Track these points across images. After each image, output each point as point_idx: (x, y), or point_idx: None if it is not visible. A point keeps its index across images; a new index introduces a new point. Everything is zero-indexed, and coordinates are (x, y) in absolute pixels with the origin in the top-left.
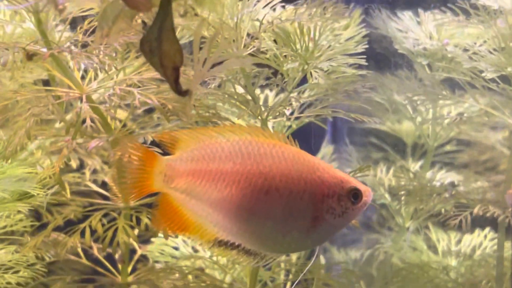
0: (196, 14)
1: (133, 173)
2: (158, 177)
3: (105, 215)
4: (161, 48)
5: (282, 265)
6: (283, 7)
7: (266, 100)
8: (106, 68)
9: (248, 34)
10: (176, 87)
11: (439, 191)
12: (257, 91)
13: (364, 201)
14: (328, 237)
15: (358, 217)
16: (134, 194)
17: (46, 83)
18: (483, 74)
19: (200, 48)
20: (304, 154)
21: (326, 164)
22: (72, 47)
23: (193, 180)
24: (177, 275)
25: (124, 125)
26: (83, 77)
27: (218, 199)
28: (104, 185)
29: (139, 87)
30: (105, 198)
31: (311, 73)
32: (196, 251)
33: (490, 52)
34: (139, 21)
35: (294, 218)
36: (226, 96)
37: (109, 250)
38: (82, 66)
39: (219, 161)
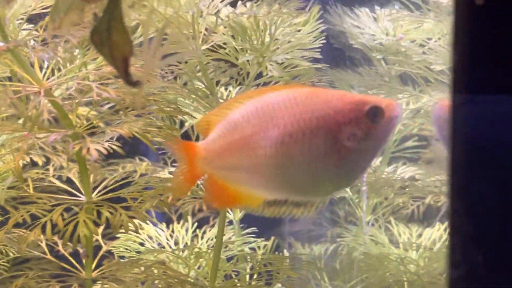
0: (144, 5)
1: (183, 164)
2: (200, 162)
3: (68, 210)
4: (110, 39)
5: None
6: (244, 3)
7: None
8: (68, 63)
9: (206, 29)
10: (126, 78)
11: (393, 184)
12: (222, 89)
13: (388, 117)
14: (364, 164)
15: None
16: (188, 184)
17: (11, 80)
18: (432, 67)
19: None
20: (317, 91)
21: (341, 92)
22: (33, 43)
23: (225, 155)
24: (142, 268)
25: (88, 120)
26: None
27: (250, 165)
28: (68, 181)
29: (101, 82)
30: (70, 194)
31: (266, 67)
32: (162, 246)
33: (443, 47)
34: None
35: (318, 157)
36: (186, 90)
37: (76, 247)
38: (46, 63)
39: (240, 129)
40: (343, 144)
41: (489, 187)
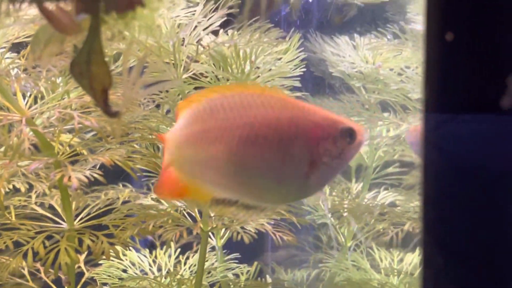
0: (124, 38)
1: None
2: (165, 152)
3: (50, 238)
4: (90, 71)
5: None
6: (226, 32)
7: None
8: (50, 92)
9: (188, 57)
10: (106, 109)
11: (372, 210)
12: None
13: (359, 141)
14: (328, 181)
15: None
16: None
17: None
18: (409, 95)
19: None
20: (294, 100)
21: (317, 107)
22: (18, 71)
23: (184, 145)
24: None
25: (71, 147)
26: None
27: (207, 158)
28: (51, 207)
29: (83, 111)
30: (53, 221)
31: None
32: (145, 273)
33: (420, 76)
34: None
35: (290, 165)
36: (168, 118)
37: (59, 274)
38: (28, 92)
39: (202, 122)
40: (319, 158)
41: (461, 216)
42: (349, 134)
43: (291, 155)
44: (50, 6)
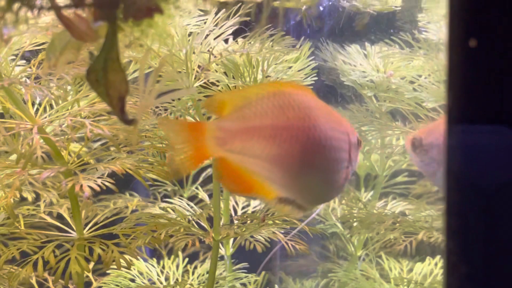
0: (141, 45)
1: (186, 145)
2: (211, 141)
3: (59, 247)
4: (107, 78)
5: None
6: (236, 41)
7: None
8: (60, 100)
9: (199, 66)
10: (122, 116)
11: (385, 219)
12: None
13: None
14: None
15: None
16: (193, 164)
17: (3, 116)
18: (423, 104)
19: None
20: (328, 109)
21: (341, 117)
22: (27, 80)
23: (248, 138)
24: None
25: (79, 156)
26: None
27: (278, 155)
28: (59, 217)
29: (94, 119)
30: (61, 230)
31: None
32: (153, 282)
33: (433, 84)
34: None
35: (338, 168)
36: None
37: (68, 284)
38: (38, 99)
39: (272, 116)
40: (351, 163)
41: (485, 226)
42: (360, 143)
43: (340, 158)
44: (68, 12)
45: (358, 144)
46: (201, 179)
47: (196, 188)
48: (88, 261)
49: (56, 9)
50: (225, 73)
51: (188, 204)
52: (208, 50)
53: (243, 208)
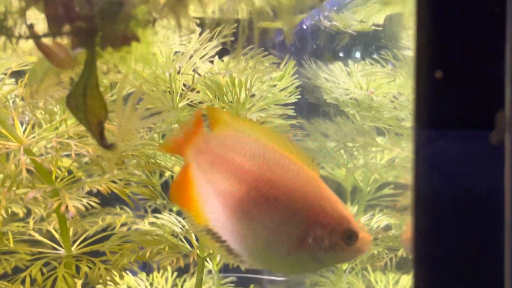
0: (119, 72)
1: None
2: (193, 144)
3: (47, 265)
4: (86, 104)
5: None
6: (222, 60)
7: None
8: (47, 121)
9: (184, 85)
10: (101, 141)
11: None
12: None
13: (358, 248)
14: (311, 268)
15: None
16: (171, 148)
17: None
18: (402, 123)
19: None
20: (320, 181)
21: (337, 199)
22: (16, 99)
23: (214, 162)
24: None
25: (69, 171)
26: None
27: (226, 191)
28: (48, 232)
29: (79, 138)
30: (50, 246)
31: None
32: None
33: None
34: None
35: (281, 233)
36: None
37: None
38: (26, 119)
39: (243, 156)
40: (307, 239)
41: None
42: (349, 235)
43: (287, 224)
44: (47, 40)
45: (346, 235)
46: None
47: None
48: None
49: (35, 38)
50: (209, 93)
51: (176, 219)
52: (193, 70)
53: None
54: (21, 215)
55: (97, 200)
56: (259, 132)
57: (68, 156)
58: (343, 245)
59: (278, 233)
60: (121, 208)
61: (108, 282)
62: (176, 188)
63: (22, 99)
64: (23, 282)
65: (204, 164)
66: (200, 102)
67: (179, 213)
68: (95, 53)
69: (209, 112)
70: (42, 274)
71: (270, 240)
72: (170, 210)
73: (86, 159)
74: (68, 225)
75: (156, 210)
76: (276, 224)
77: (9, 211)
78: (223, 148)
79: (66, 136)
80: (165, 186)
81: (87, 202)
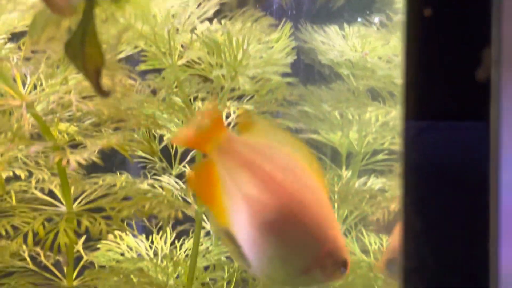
0: (116, 21)
1: (199, 128)
2: (215, 142)
3: (49, 221)
4: (84, 52)
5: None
6: (220, 21)
7: None
8: (49, 78)
9: (182, 45)
10: (98, 89)
11: (363, 195)
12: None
13: (343, 273)
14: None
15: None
16: (189, 142)
17: None
18: (395, 81)
19: None
20: (330, 205)
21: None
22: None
23: (243, 165)
24: (121, 276)
25: (70, 136)
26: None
27: (254, 198)
28: (50, 193)
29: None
30: (52, 206)
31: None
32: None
33: None
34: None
35: (295, 254)
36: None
37: (57, 257)
38: (28, 78)
39: (275, 166)
40: (315, 267)
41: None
42: (344, 266)
43: (303, 247)
44: None
45: (341, 264)
46: (188, 157)
47: (184, 166)
48: (78, 236)
49: None
50: (208, 52)
51: (176, 182)
52: (191, 30)
53: None
54: (23, 177)
55: (98, 156)
56: (290, 144)
57: (68, 121)
58: (338, 273)
59: (294, 255)
60: (121, 174)
61: (110, 238)
62: (199, 184)
63: (25, 58)
64: (25, 237)
65: (230, 165)
66: (196, 62)
67: (178, 176)
68: (94, 1)
69: (242, 115)
70: (44, 229)
71: (285, 260)
72: (170, 174)
73: (86, 123)
74: (69, 184)
75: (156, 175)
76: (294, 246)
77: (11, 174)
78: (254, 153)
79: (68, 93)
80: (164, 150)
81: (88, 157)
